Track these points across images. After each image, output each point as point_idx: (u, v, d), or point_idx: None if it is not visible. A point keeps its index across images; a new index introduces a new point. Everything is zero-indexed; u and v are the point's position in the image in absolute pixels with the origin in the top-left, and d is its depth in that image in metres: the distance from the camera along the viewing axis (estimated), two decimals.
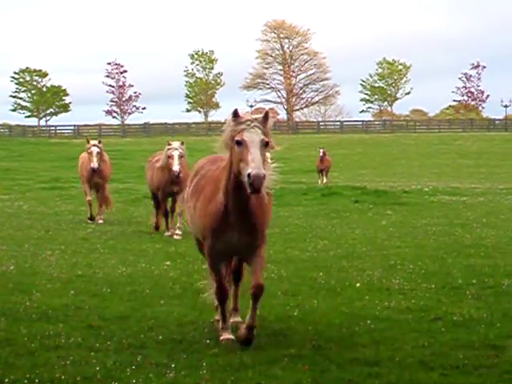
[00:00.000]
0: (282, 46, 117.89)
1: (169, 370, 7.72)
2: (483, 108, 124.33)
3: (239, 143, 7.91)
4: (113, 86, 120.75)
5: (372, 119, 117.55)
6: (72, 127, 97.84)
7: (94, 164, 21.86)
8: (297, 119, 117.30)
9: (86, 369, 7.81)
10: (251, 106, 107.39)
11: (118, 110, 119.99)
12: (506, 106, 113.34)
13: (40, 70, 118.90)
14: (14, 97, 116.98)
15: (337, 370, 7.77)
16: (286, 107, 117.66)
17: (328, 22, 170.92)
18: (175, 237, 18.84)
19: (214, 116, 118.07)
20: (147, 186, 21.56)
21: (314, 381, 7.47)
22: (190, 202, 9.31)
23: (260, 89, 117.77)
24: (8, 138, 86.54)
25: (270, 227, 9.23)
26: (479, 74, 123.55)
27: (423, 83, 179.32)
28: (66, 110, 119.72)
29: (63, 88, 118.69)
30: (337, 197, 29.23)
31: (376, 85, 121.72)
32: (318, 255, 15.56)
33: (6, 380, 7.45)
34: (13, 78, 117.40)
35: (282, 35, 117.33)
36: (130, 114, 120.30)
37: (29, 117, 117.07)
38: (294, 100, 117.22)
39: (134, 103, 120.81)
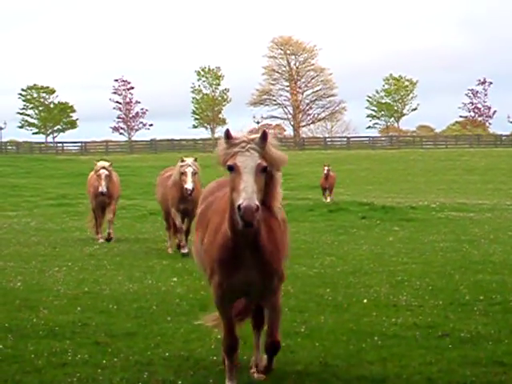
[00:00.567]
0: (289, 63, 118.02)
1: None
2: (490, 124, 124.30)
3: (231, 169, 6.92)
4: (120, 103, 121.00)
5: (378, 135, 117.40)
6: (79, 144, 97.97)
7: (103, 188, 21.80)
8: (303, 135, 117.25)
9: None
10: (258, 123, 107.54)
11: (124, 127, 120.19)
12: None
13: (47, 87, 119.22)
14: (22, 114, 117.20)
15: None
16: (292, 123, 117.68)
17: (334, 38, 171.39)
18: (182, 250, 18.67)
19: (221, 132, 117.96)
20: (157, 202, 21.17)
21: None
22: (195, 234, 8.44)
23: (267, 105, 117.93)
24: (15, 154, 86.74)
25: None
26: (486, 90, 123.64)
27: (430, 99, 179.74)
28: (73, 127, 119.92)
29: (70, 105, 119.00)
30: (344, 213, 29.22)
31: (382, 101, 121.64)
32: (324, 271, 15.55)
33: None
34: (20, 94, 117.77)
35: (288, 51, 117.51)
36: (136, 130, 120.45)
37: (36, 133, 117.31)
38: (300, 116, 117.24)
39: (141, 120, 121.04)
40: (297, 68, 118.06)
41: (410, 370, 8.26)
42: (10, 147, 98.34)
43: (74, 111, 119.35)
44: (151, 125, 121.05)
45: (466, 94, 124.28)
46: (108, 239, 21.99)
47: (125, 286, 13.89)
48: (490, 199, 38.97)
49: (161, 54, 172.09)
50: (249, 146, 6.98)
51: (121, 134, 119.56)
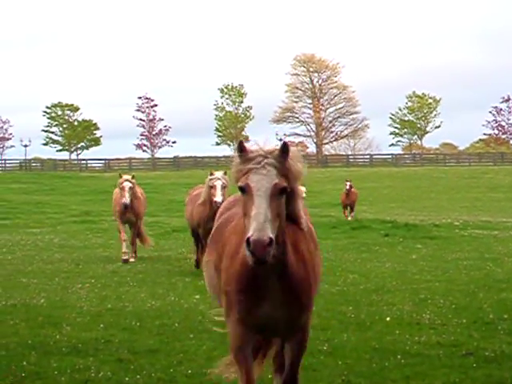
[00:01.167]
0: (312, 80, 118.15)
1: None
2: None
3: (243, 190, 5.63)
4: (143, 120, 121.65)
5: (402, 153, 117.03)
6: (103, 161, 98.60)
7: (126, 200, 21.05)
8: (326, 152, 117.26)
9: None
10: (280, 140, 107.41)
11: (148, 144, 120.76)
12: None
13: (71, 105, 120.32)
14: (46, 131, 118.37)
15: None
16: (315, 141, 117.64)
17: (357, 56, 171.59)
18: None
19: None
20: (186, 221, 20.45)
21: None
22: (209, 256, 7.11)
23: (289, 122, 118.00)
24: (40, 171, 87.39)
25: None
26: (510, 108, 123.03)
27: (453, 117, 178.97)
28: (97, 144, 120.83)
29: (94, 122, 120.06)
30: (366, 230, 29.10)
31: (406, 118, 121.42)
32: (347, 289, 15.50)
33: None
34: (45, 112, 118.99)
35: (311, 69, 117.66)
36: (160, 147, 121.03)
37: (60, 151, 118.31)
38: (323, 133, 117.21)
39: (164, 137, 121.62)
40: (320, 85, 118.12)
41: None
42: (34, 164, 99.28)
43: (97, 128, 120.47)
44: (174, 142, 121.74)
45: (490, 112, 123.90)
46: (125, 260, 21.02)
47: (147, 303, 13.92)
48: None
49: (184, 72, 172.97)
50: (265, 161, 5.65)
51: (144, 151, 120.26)
